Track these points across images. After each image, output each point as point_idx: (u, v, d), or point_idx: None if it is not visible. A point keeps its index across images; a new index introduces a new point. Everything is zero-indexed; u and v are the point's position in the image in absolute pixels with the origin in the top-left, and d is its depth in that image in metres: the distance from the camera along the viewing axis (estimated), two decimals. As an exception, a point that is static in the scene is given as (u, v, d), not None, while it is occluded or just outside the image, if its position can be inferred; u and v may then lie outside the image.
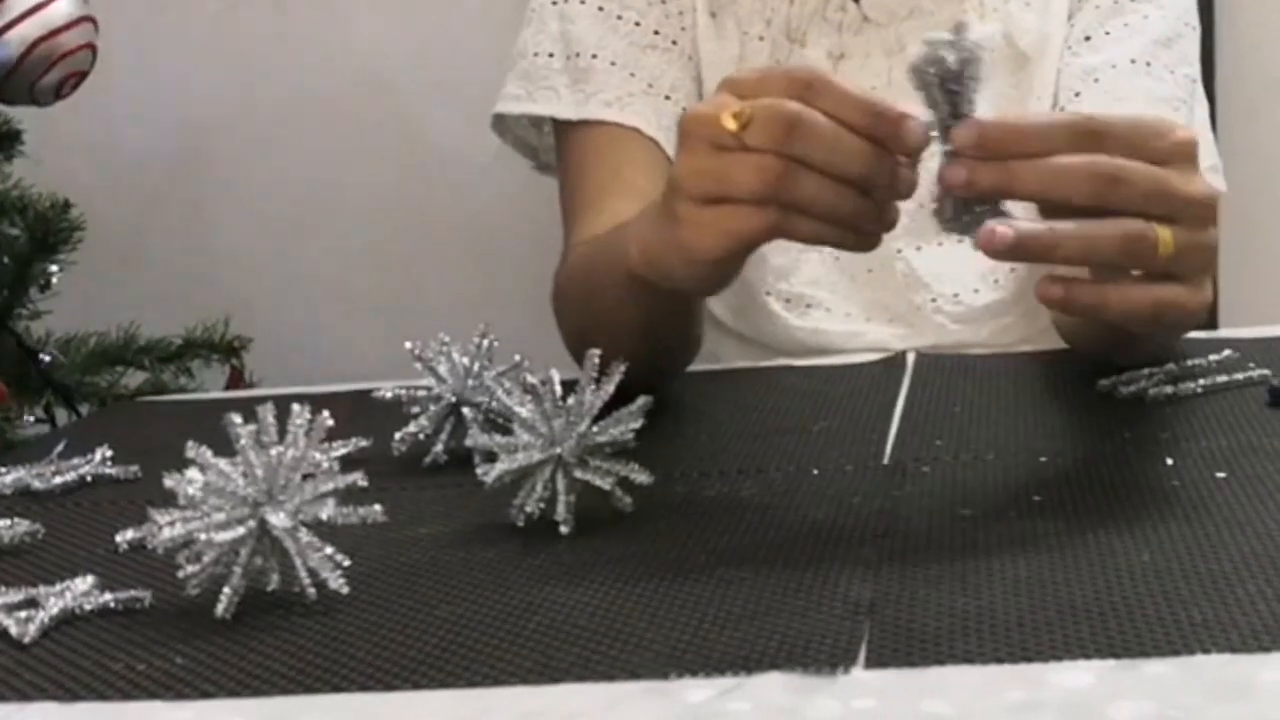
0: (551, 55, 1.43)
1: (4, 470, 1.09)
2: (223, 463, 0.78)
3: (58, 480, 1.08)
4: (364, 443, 0.87)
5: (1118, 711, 0.61)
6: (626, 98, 1.40)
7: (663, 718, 0.64)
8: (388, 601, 0.80)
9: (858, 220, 0.89)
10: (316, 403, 0.81)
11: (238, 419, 0.78)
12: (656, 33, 1.43)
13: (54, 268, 2.20)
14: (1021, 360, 1.28)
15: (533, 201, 2.03)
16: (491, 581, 0.81)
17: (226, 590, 0.78)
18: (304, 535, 0.79)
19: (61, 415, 2.20)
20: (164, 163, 2.52)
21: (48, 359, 2.19)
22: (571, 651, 0.71)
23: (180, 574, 0.79)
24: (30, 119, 2.16)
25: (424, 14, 2.46)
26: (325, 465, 0.80)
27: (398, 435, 1.05)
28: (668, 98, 1.42)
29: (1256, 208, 2.29)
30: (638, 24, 1.43)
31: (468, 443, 0.94)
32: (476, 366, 1.05)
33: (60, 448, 1.13)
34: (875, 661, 0.67)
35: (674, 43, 1.44)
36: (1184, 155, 0.88)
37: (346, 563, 0.80)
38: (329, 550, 0.79)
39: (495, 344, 1.06)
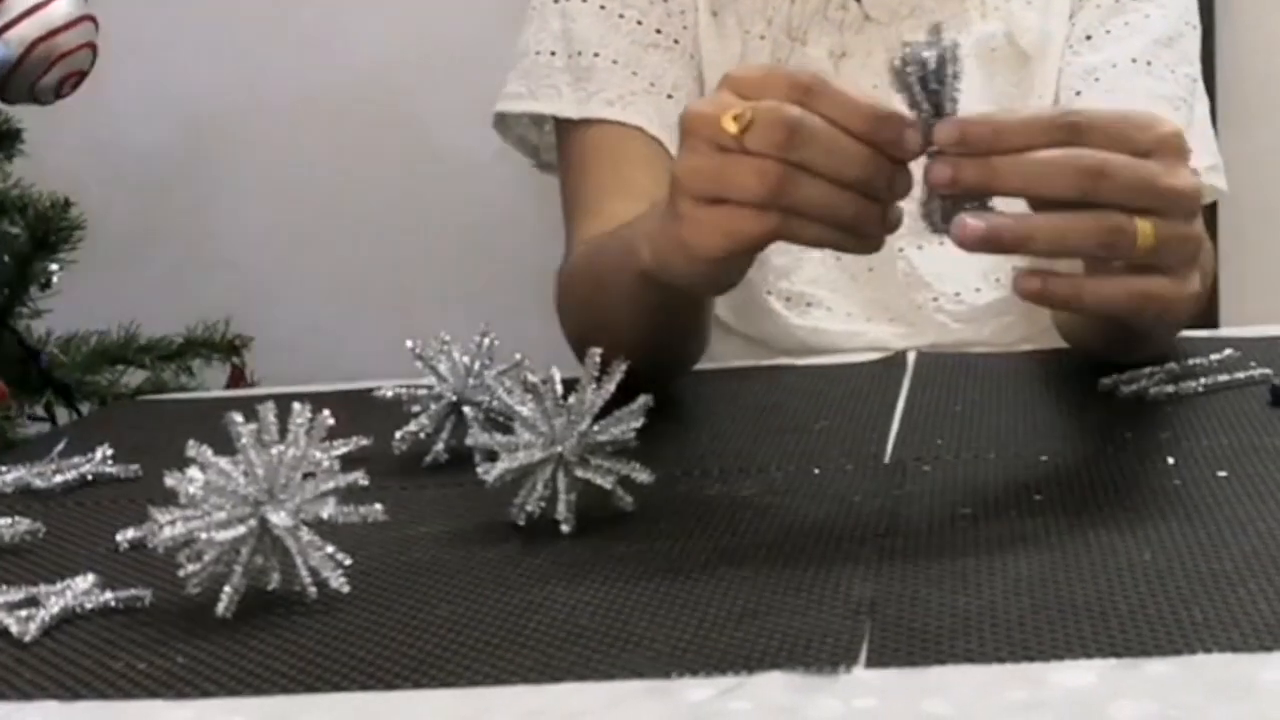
0: (553, 54, 1.43)
1: (5, 469, 1.09)
2: (223, 461, 0.78)
3: (58, 479, 1.08)
4: (365, 442, 0.86)
5: (1119, 711, 0.61)
6: (629, 96, 1.40)
7: (664, 717, 0.64)
8: (388, 600, 0.80)
9: (859, 223, 0.89)
10: (317, 402, 0.81)
11: (239, 418, 0.78)
12: (658, 31, 1.43)
13: (54, 266, 2.20)
14: (1023, 359, 1.28)
15: (534, 200, 2.04)
16: (492, 580, 0.81)
17: (227, 589, 0.78)
18: (305, 534, 0.79)
19: (62, 414, 2.20)
20: (164, 162, 2.52)
21: (48, 358, 2.19)
22: (572, 650, 0.71)
23: (181, 573, 0.79)
24: (31, 118, 2.16)
25: (426, 12, 2.46)
26: (326, 464, 0.80)
27: (398, 434, 1.05)
28: (669, 97, 1.42)
29: (1257, 207, 2.29)
30: (639, 23, 1.43)
31: (468, 442, 0.94)
32: (477, 365, 1.05)
33: (61, 446, 1.13)
34: (876, 661, 0.67)
35: (676, 42, 1.44)
36: (1169, 148, 0.87)
37: (347, 561, 0.80)
38: (330, 549, 0.79)
39: (496, 343, 1.06)
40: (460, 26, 2.44)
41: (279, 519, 0.78)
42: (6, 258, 2.18)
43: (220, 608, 0.77)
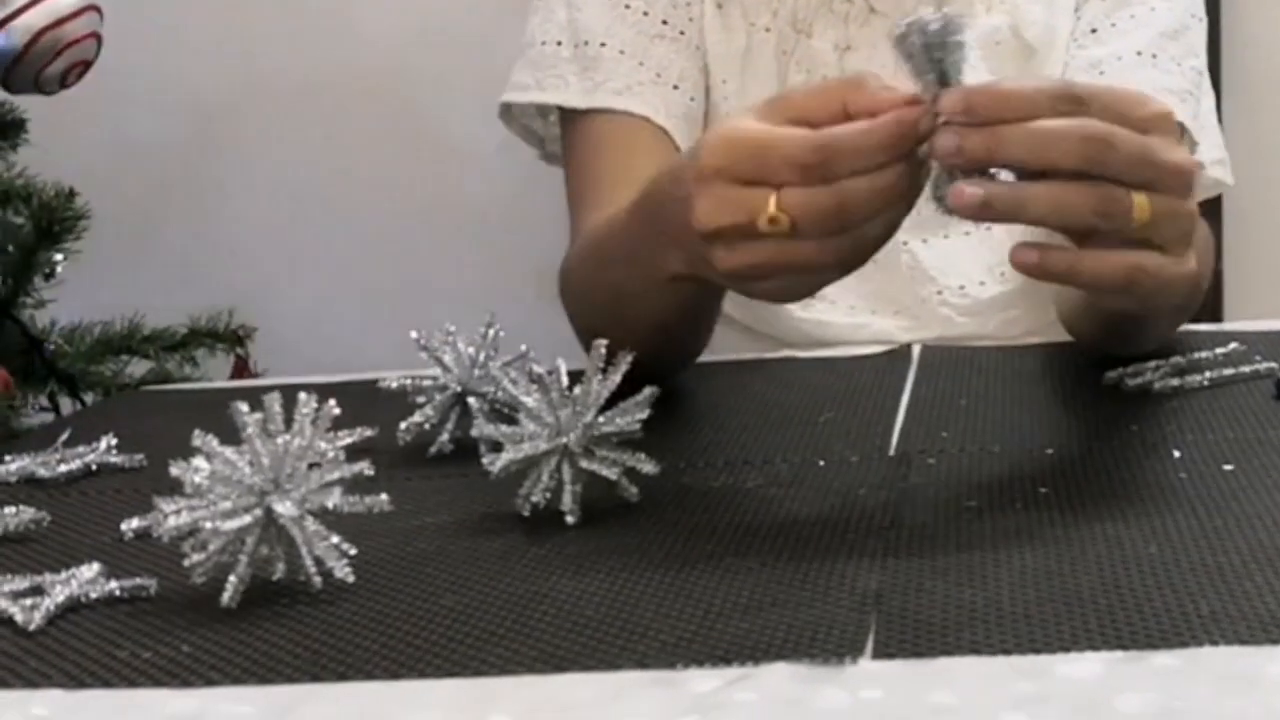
0: (559, 44, 1.43)
1: (9, 458, 1.09)
2: (229, 451, 0.78)
3: (63, 468, 1.08)
4: (369, 432, 0.87)
5: (1125, 703, 0.61)
6: (635, 86, 1.40)
7: (669, 708, 0.64)
8: (393, 590, 0.79)
9: (910, 206, 0.91)
10: (322, 392, 0.81)
11: (244, 407, 0.78)
12: (664, 22, 1.43)
13: (59, 256, 2.20)
14: (1027, 353, 1.28)
15: (539, 191, 2.03)
16: (497, 571, 0.81)
17: (232, 579, 0.78)
18: (310, 524, 0.79)
19: (66, 404, 2.20)
20: (169, 152, 2.52)
21: (53, 348, 2.19)
22: (577, 641, 0.71)
23: (186, 562, 0.79)
24: (35, 108, 2.16)
25: (432, 2, 2.46)
26: (331, 454, 0.80)
27: (403, 425, 1.05)
28: (676, 87, 1.41)
29: (1263, 200, 2.29)
30: (645, 13, 1.42)
31: (473, 433, 0.94)
32: (482, 356, 1.05)
33: (65, 436, 1.13)
34: (882, 652, 0.67)
35: (681, 32, 1.43)
36: (1164, 125, 0.88)
37: (352, 552, 0.80)
38: (335, 539, 0.79)
39: (501, 334, 1.06)
40: (466, 17, 2.44)
41: (284, 509, 0.78)
42: (11, 247, 2.18)
43: (225, 597, 0.77)
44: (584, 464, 0.89)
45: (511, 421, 0.90)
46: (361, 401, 1.03)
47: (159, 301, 2.29)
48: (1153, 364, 1.12)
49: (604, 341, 0.89)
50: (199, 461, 0.78)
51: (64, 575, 0.82)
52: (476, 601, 0.77)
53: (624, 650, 0.69)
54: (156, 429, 1.21)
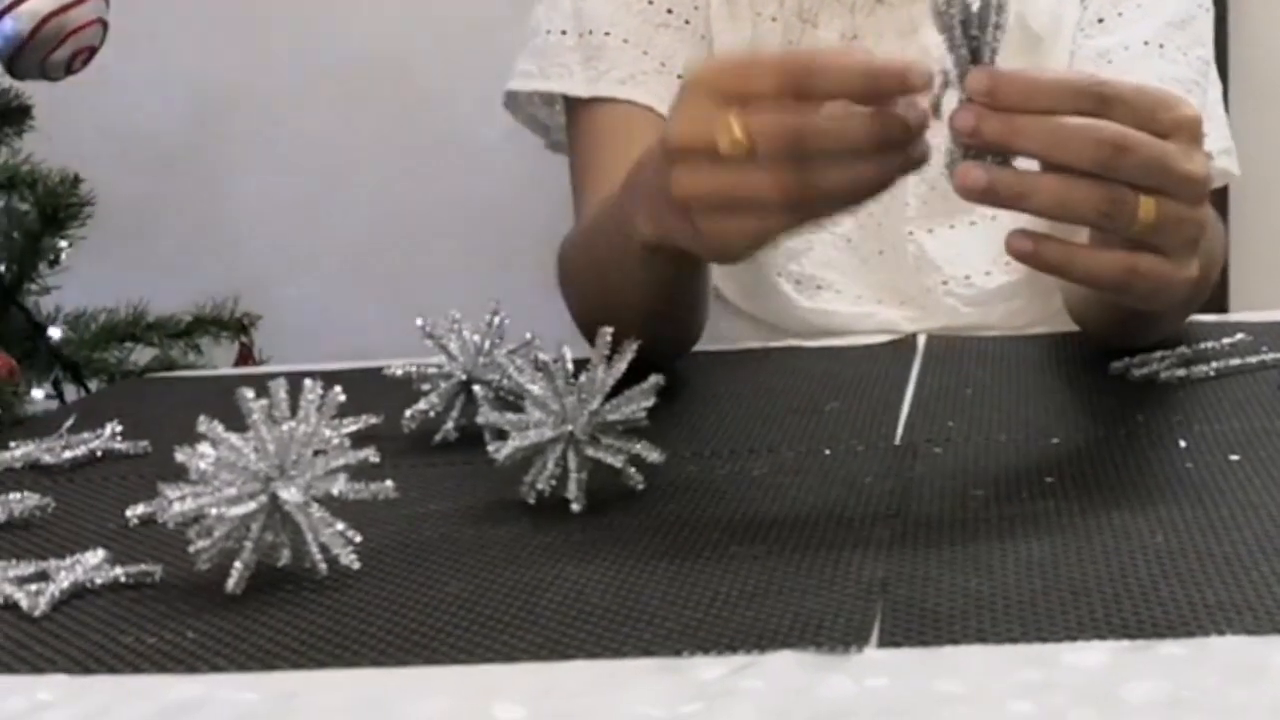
0: (564, 33, 1.43)
1: (14, 444, 1.09)
2: (234, 438, 0.78)
3: (67, 455, 1.08)
4: (374, 420, 0.86)
5: (1131, 692, 0.61)
6: (639, 76, 1.40)
7: (675, 695, 0.64)
8: (398, 577, 0.79)
9: (882, 180, 0.88)
10: (327, 379, 0.81)
11: (250, 394, 0.78)
12: (669, 11, 1.43)
13: (63, 243, 2.21)
14: (1033, 342, 1.28)
15: (545, 180, 2.03)
16: (503, 558, 0.81)
17: (237, 565, 0.77)
18: (315, 511, 0.79)
19: (70, 391, 2.20)
20: (174, 139, 2.52)
21: (57, 334, 2.19)
22: (583, 628, 0.71)
23: (191, 549, 0.79)
24: (41, 94, 2.16)
25: (436, -9, 2.46)
26: (336, 441, 0.80)
27: (408, 413, 1.05)
28: (680, 77, 1.41)
29: (1269, 190, 2.29)
30: (650, 2, 1.42)
31: (478, 420, 0.93)
32: (487, 344, 1.05)
33: (70, 422, 1.13)
34: (888, 640, 0.67)
35: (686, 22, 1.43)
36: (1187, 131, 0.87)
37: (358, 538, 0.80)
38: (340, 526, 0.79)
39: (506, 321, 1.05)
40: (471, 5, 2.44)
41: (289, 495, 0.77)
42: (16, 234, 2.18)
43: (230, 584, 0.77)
44: (589, 452, 0.88)
45: (516, 409, 0.90)
46: (366, 389, 1.03)
47: (164, 288, 2.29)
48: (1159, 354, 1.12)
49: (609, 329, 0.88)
50: (204, 447, 0.78)
51: (69, 561, 0.82)
52: (481, 589, 0.77)
53: (629, 638, 0.69)
54: (161, 415, 1.21)
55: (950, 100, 0.86)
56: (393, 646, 0.70)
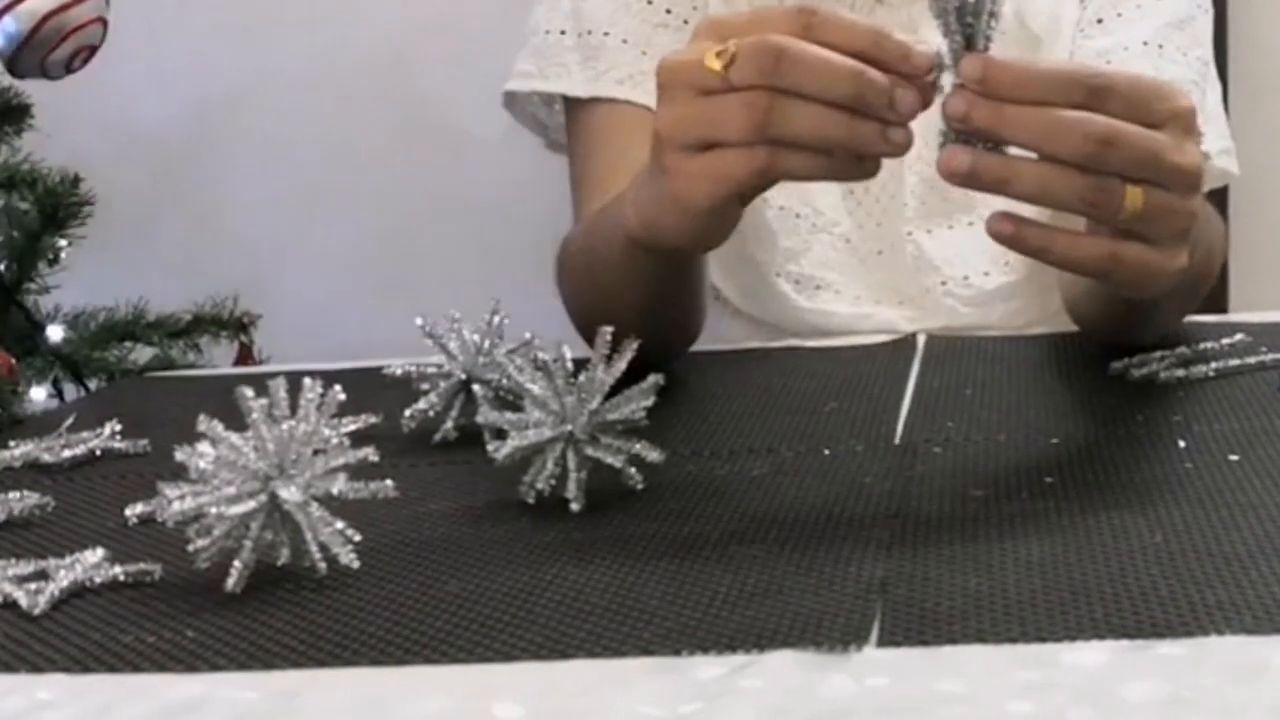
0: (563, 33, 1.43)
1: (14, 443, 1.09)
2: (234, 436, 0.78)
3: (67, 454, 1.08)
4: (374, 419, 0.86)
5: (1131, 692, 0.61)
6: (638, 75, 1.40)
7: (674, 694, 0.64)
8: (398, 577, 0.79)
9: (854, 142, 0.87)
10: (326, 379, 0.81)
11: (249, 392, 0.78)
12: (668, 11, 1.43)
13: (63, 242, 2.21)
14: (1033, 343, 1.28)
15: (544, 179, 2.03)
16: (502, 558, 0.81)
17: (237, 564, 0.77)
18: (314, 509, 0.79)
19: (70, 390, 2.20)
20: (174, 138, 2.52)
21: (57, 334, 2.19)
22: (582, 628, 0.71)
23: (190, 548, 0.79)
24: (41, 93, 2.16)
25: (436, -10, 2.46)
26: (336, 440, 0.80)
27: (407, 412, 1.05)
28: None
29: (1268, 191, 2.29)
30: (649, 2, 1.42)
31: (478, 420, 0.93)
32: (487, 344, 1.05)
33: (69, 421, 1.13)
34: (888, 640, 0.67)
35: (685, 22, 1.43)
36: (1181, 122, 0.88)
37: (357, 538, 0.80)
38: (340, 525, 0.79)
39: (506, 321, 1.05)
40: (470, 5, 2.44)
41: (289, 494, 0.77)
42: (15, 233, 2.19)
43: (230, 583, 0.77)
44: (589, 451, 0.88)
45: (516, 409, 0.90)
46: (366, 388, 1.03)
47: (163, 288, 2.29)
48: (1158, 354, 1.12)
49: (609, 329, 0.88)
50: (203, 446, 0.78)
51: (68, 560, 0.82)
52: (481, 588, 0.77)
53: (629, 637, 0.69)
54: (160, 414, 1.21)
55: (945, 85, 0.86)
56: (392, 645, 0.70)
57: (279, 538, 0.79)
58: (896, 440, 1.00)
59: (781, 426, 1.06)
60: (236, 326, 2.28)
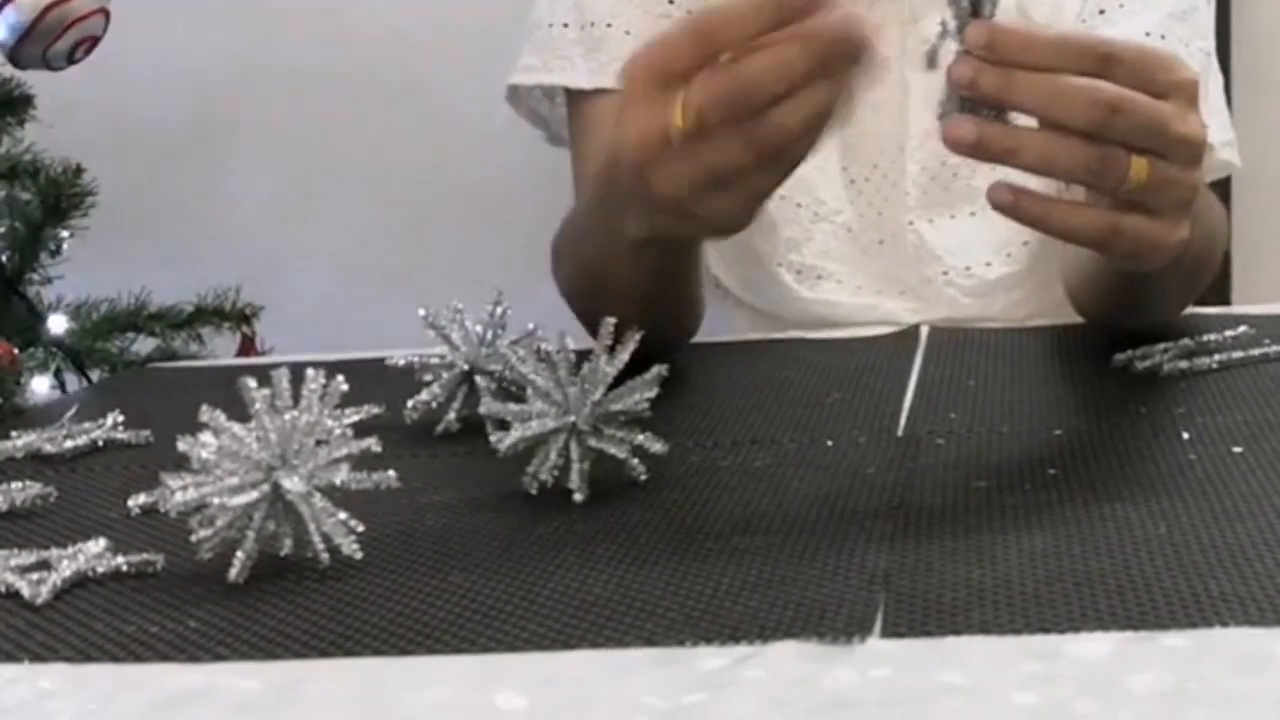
0: (566, 25, 1.43)
1: (16, 434, 1.09)
2: (236, 427, 0.78)
3: (69, 444, 1.08)
4: (377, 410, 0.86)
5: (1135, 683, 0.61)
6: (641, 67, 1.40)
7: (677, 685, 0.64)
8: (400, 567, 0.79)
9: (840, 91, 0.87)
10: (329, 370, 0.81)
11: (252, 383, 0.78)
12: (671, 3, 1.43)
13: (65, 233, 2.21)
14: (1036, 334, 1.27)
15: (547, 171, 2.03)
16: (504, 549, 0.81)
17: (239, 554, 0.77)
18: (317, 500, 0.79)
19: (72, 381, 2.20)
20: (176, 129, 2.52)
21: (59, 324, 2.19)
22: (585, 619, 0.71)
23: (193, 538, 0.79)
24: (43, 83, 2.16)
25: (437, -17, 2.46)
26: (338, 431, 0.80)
27: (410, 403, 1.05)
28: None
29: (1271, 183, 2.28)
30: (652, -7, 1.42)
31: (481, 410, 0.94)
32: (490, 334, 1.05)
33: (72, 412, 1.13)
34: (891, 631, 0.67)
35: (688, 12, 1.43)
36: (1185, 93, 0.88)
37: (360, 528, 0.80)
38: (342, 515, 0.79)
39: (508, 312, 1.05)
40: (472, -3, 2.44)
41: (291, 484, 0.77)
42: (18, 224, 2.18)
43: (232, 573, 0.77)
44: (592, 442, 0.88)
45: (519, 400, 0.90)
46: (368, 379, 1.03)
47: (165, 279, 2.29)
48: (1161, 346, 1.12)
49: (612, 320, 0.88)
50: (206, 437, 0.78)
51: (71, 550, 0.82)
52: (484, 579, 0.77)
53: (632, 628, 0.69)
54: (163, 405, 1.21)
55: (948, 53, 0.86)
56: (395, 636, 0.70)
57: (282, 528, 0.79)
58: (899, 432, 1.00)
59: (784, 418, 1.06)
60: (239, 318, 2.28)
